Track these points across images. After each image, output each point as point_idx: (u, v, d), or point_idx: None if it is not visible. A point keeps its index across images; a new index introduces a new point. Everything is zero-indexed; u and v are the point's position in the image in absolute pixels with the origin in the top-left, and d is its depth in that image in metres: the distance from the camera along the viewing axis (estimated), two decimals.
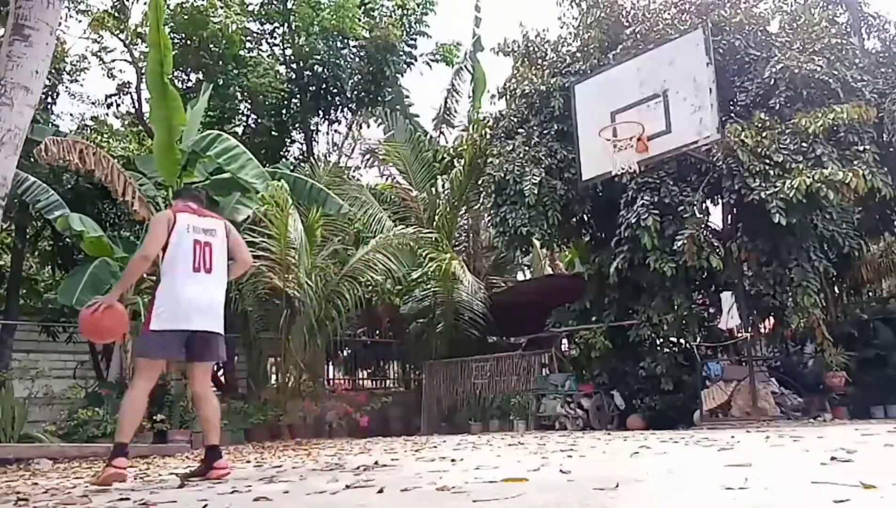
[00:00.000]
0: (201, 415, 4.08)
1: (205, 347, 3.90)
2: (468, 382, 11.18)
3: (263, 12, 15.48)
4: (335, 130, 17.29)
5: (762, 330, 9.90)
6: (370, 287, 11.28)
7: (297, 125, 15.85)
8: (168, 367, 10.14)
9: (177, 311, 3.77)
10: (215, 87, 12.45)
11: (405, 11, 15.83)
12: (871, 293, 10.89)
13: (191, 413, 9.80)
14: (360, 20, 14.75)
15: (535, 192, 9.11)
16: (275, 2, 15.50)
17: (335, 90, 15.17)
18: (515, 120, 10.23)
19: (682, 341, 9.31)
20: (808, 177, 7.56)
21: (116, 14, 14.17)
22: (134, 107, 14.75)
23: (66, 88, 14.40)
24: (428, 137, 15.50)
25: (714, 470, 3.10)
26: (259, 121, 14.83)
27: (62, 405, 9.21)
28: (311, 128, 16.30)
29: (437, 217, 13.01)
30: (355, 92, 15.36)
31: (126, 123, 15.35)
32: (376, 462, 4.35)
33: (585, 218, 10.49)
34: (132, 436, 3.86)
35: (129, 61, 14.68)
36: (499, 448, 5.35)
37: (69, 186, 11.32)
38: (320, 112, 15.95)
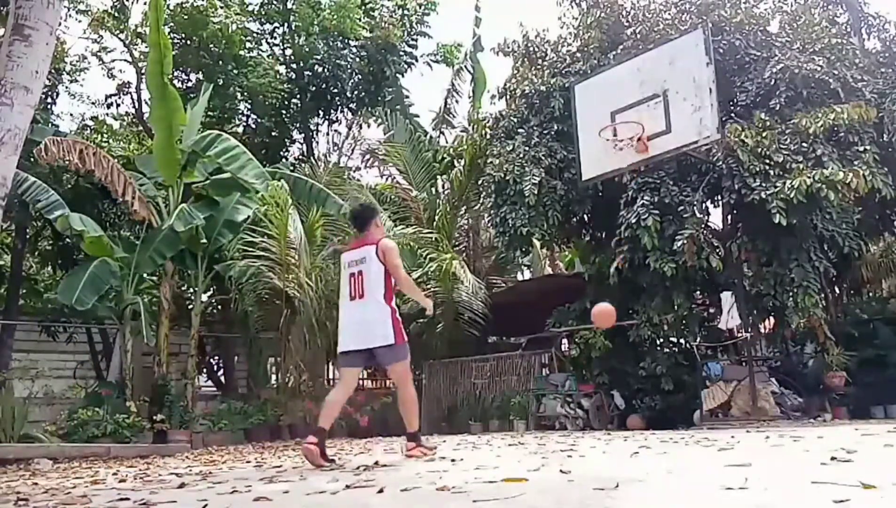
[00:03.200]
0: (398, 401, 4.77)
1: (378, 357, 4.62)
2: (468, 382, 11.17)
3: (263, 12, 15.47)
4: (335, 131, 17.29)
5: (762, 330, 9.89)
6: None
7: (297, 125, 15.84)
8: (168, 367, 10.19)
9: (344, 334, 4.70)
10: (215, 87, 12.45)
11: (406, 12, 15.82)
12: (871, 293, 10.89)
13: (191, 413, 9.81)
14: (360, 20, 14.75)
15: (535, 192, 9.10)
16: (275, 2, 15.49)
17: (335, 90, 15.17)
18: (515, 120, 10.22)
19: (682, 341, 9.31)
20: (809, 177, 7.54)
21: (116, 14, 14.17)
22: (134, 107, 14.76)
23: (66, 88, 14.45)
24: (428, 137, 15.48)
25: (714, 470, 3.10)
26: (259, 121, 14.82)
27: (62, 405, 9.22)
28: (311, 128, 16.30)
29: (437, 217, 13.00)
30: (355, 92, 15.35)
31: (126, 123, 15.35)
32: (376, 462, 4.35)
33: (585, 218, 10.48)
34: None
35: (129, 61, 14.69)
36: (499, 448, 5.35)
37: (69, 186, 11.33)
38: (320, 112, 15.94)
